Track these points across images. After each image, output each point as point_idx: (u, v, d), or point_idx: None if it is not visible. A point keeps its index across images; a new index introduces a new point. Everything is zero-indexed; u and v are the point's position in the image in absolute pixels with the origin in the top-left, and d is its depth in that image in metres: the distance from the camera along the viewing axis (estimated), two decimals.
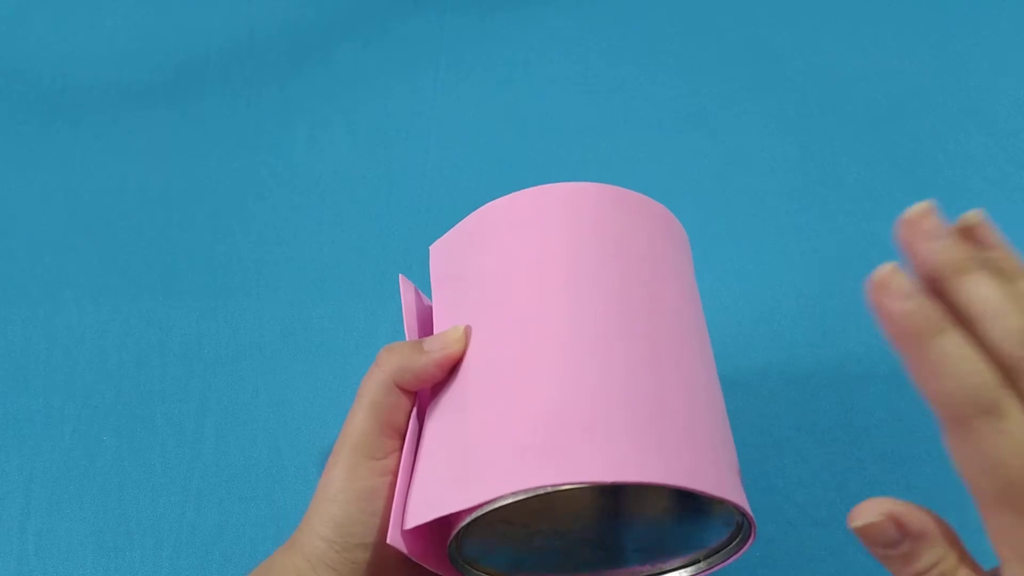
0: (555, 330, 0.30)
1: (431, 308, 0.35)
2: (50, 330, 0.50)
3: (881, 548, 0.26)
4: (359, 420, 0.32)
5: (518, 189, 0.56)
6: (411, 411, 0.32)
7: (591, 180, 0.56)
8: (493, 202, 0.34)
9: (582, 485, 0.26)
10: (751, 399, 0.45)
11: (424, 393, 0.33)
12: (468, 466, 0.28)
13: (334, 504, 0.31)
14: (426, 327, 0.35)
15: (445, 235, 0.35)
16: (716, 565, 0.31)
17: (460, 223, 0.34)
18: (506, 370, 0.30)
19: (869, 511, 0.26)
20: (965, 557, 0.26)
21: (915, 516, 0.26)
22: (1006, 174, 0.56)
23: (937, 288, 0.25)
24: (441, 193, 0.55)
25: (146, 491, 0.44)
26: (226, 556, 0.41)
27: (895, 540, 0.25)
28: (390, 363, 0.32)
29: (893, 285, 0.24)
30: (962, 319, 0.25)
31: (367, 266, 0.52)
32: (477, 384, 0.31)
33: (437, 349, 0.31)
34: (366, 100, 0.60)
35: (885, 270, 0.25)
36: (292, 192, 0.56)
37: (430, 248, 0.35)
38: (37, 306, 0.51)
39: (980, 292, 0.25)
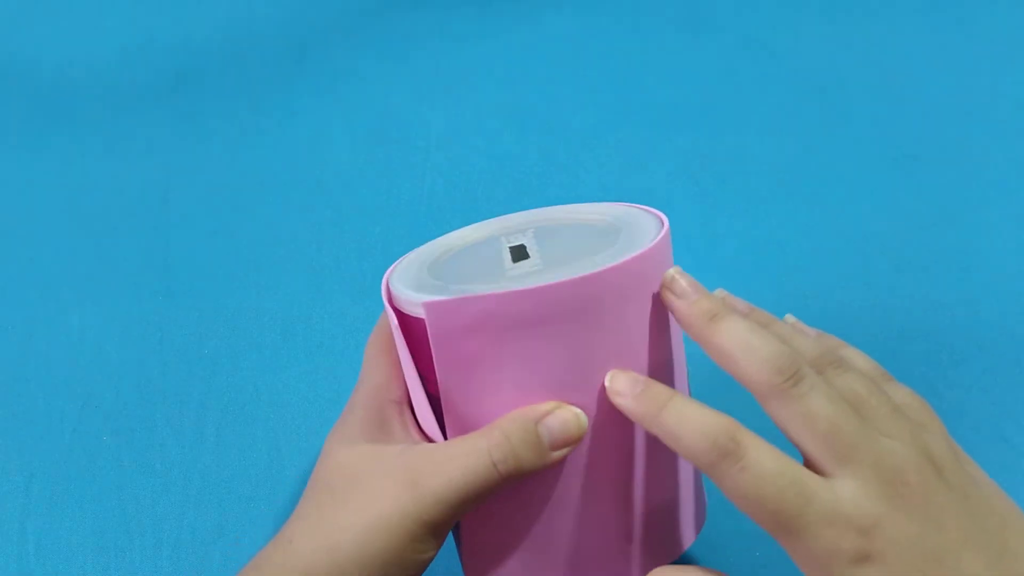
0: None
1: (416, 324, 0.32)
2: (50, 330, 0.50)
3: None
4: (443, 502, 0.29)
5: (517, 189, 0.56)
6: None
7: (590, 180, 0.56)
8: (503, 297, 0.29)
9: None
10: (752, 398, 0.45)
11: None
12: None
13: (377, 567, 0.29)
14: (422, 350, 0.32)
15: (448, 301, 0.29)
16: None
17: (464, 302, 0.29)
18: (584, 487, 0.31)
19: None
20: None
21: None
22: (1006, 174, 0.56)
23: (703, 342, 0.30)
24: (441, 193, 0.55)
25: (146, 491, 0.44)
26: (226, 556, 0.41)
27: None
28: (511, 462, 0.29)
29: (617, 385, 0.29)
30: (719, 361, 0.29)
31: (367, 266, 0.52)
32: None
33: (561, 446, 0.29)
34: (366, 100, 0.61)
35: (609, 379, 0.29)
36: (292, 192, 0.56)
37: (424, 305, 0.29)
38: (37, 306, 0.51)
39: (726, 332, 0.29)
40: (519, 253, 0.33)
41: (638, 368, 0.30)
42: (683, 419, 0.28)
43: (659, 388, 0.29)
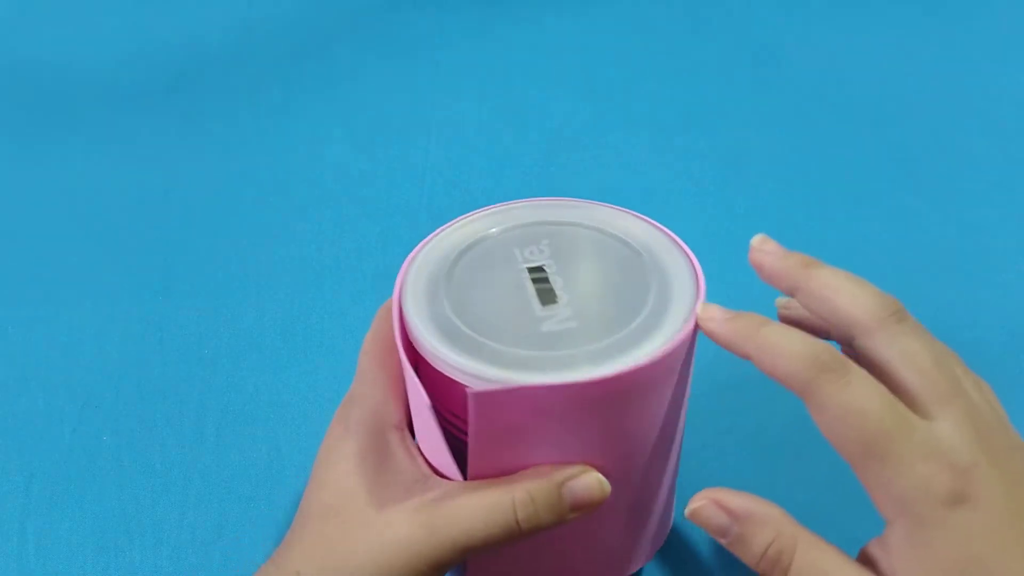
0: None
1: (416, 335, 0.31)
2: (50, 330, 0.50)
3: (717, 534, 0.28)
4: (460, 549, 0.29)
5: (518, 189, 0.56)
6: None
7: (590, 180, 0.56)
8: (553, 388, 0.28)
9: None
10: (751, 399, 0.45)
11: None
12: None
13: None
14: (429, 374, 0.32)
15: (497, 392, 0.28)
16: None
17: (512, 392, 0.28)
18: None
19: (697, 498, 0.29)
20: (803, 534, 0.28)
21: (737, 500, 0.28)
22: (1006, 174, 0.56)
23: (792, 290, 0.30)
24: (441, 193, 0.55)
25: (146, 491, 0.44)
26: (226, 556, 0.41)
27: (725, 524, 0.28)
28: (532, 521, 0.29)
29: (709, 313, 0.29)
30: (817, 302, 0.29)
31: (367, 266, 0.52)
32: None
33: (581, 509, 0.29)
34: (366, 100, 0.61)
35: (700, 308, 0.29)
36: (292, 192, 0.56)
37: (470, 394, 0.28)
38: (37, 306, 0.51)
39: (825, 274, 0.29)
40: (546, 294, 0.31)
41: (658, 429, 0.31)
42: (783, 336, 0.27)
43: (752, 314, 0.29)
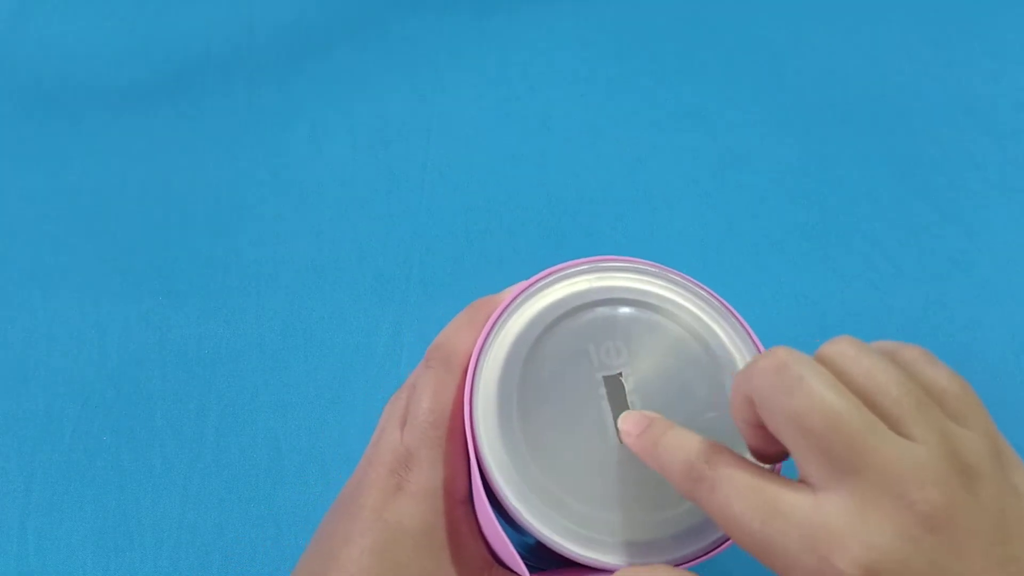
0: None
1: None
2: (50, 330, 0.50)
3: None
4: None
5: (517, 190, 0.56)
6: None
7: (591, 180, 0.56)
8: None
9: None
10: None
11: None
12: None
13: None
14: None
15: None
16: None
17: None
18: None
19: None
20: None
21: None
22: (1006, 174, 0.56)
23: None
24: (441, 193, 0.55)
25: (146, 491, 0.44)
26: (226, 556, 0.41)
27: None
28: None
29: (625, 427, 0.28)
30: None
31: (367, 266, 0.52)
32: None
33: None
34: (366, 100, 0.60)
35: (620, 420, 0.29)
36: (292, 192, 0.56)
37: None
38: (37, 306, 0.51)
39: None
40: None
41: None
42: (668, 450, 0.26)
43: (659, 424, 0.27)
